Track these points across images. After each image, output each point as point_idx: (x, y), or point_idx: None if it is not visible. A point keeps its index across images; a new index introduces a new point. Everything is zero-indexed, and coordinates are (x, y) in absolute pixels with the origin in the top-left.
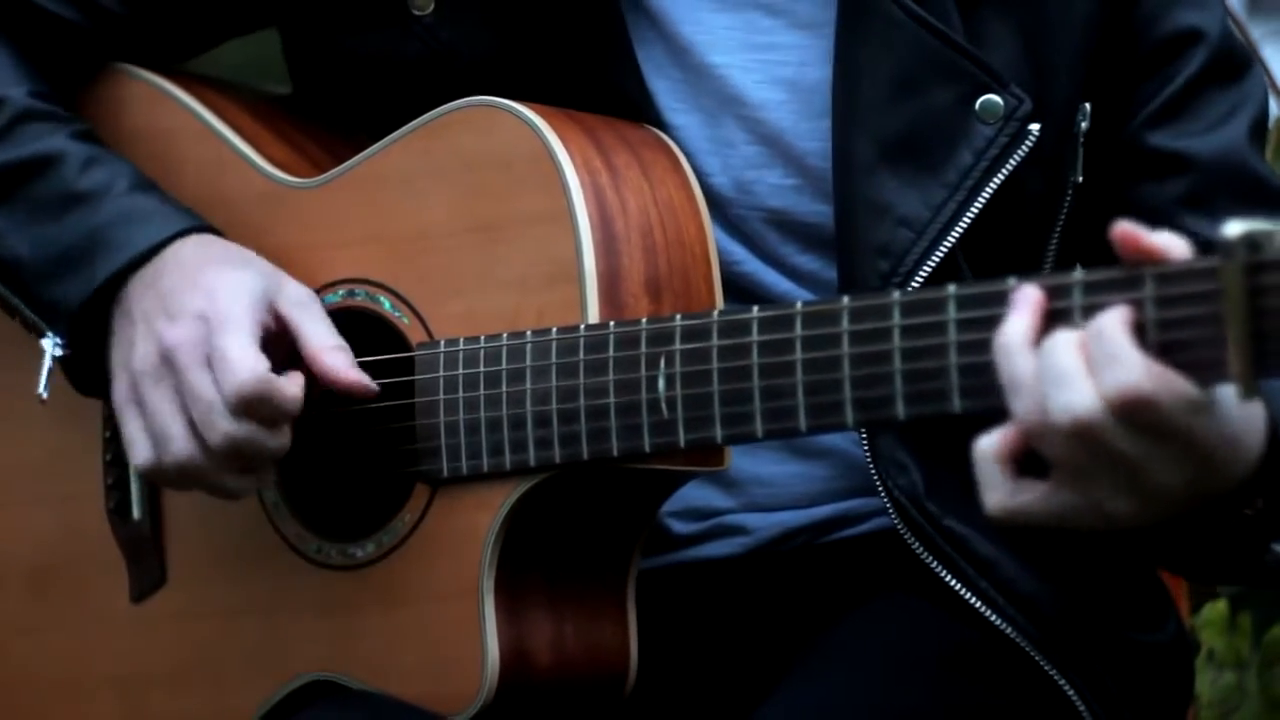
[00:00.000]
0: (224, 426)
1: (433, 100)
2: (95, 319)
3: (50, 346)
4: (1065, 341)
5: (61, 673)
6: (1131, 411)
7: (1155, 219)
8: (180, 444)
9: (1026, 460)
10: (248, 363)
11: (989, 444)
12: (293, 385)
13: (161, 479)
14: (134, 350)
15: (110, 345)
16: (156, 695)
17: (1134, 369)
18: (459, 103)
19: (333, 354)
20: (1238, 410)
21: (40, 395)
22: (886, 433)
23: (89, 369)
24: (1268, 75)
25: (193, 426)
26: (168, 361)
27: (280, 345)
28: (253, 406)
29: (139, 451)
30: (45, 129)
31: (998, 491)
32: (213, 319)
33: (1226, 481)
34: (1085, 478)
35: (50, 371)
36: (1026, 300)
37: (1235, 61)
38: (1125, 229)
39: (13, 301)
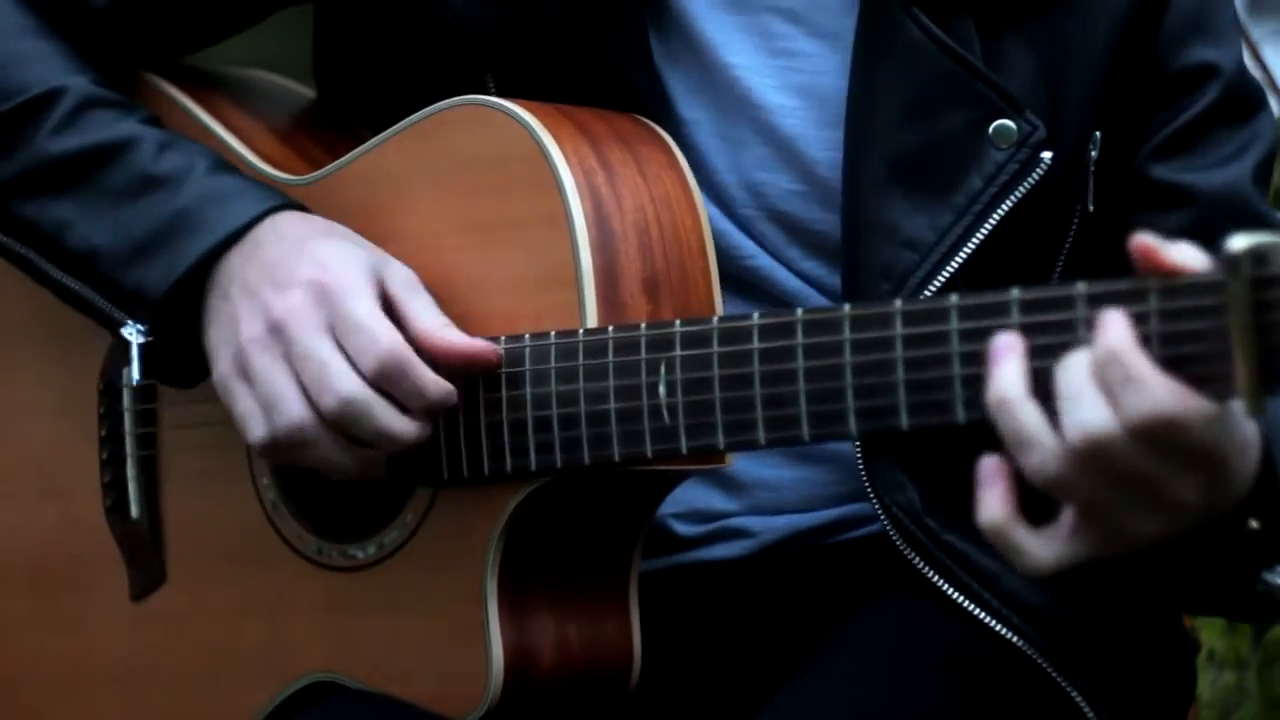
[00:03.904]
0: (338, 387)
1: (443, 74)
2: (182, 303)
3: (132, 335)
4: (1077, 364)
5: (61, 670)
6: (1157, 434)
7: None
8: (292, 406)
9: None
10: (386, 331)
11: (997, 513)
12: (438, 379)
13: (275, 451)
14: (239, 324)
15: (206, 326)
16: (157, 694)
17: (1157, 390)
18: (451, 101)
19: (446, 331)
20: (1246, 417)
21: (135, 381)
22: (881, 450)
23: (171, 356)
24: (1268, 75)
25: (304, 390)
26: (277, 330)
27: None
28: (393, 377)
29: (253, 427)
30: (112, 115)
31: (1037, 552)
32: (330, 286)
33: (1237, 491)
34: (1104, 506)
35: (138, 359)
36: (1009, 348)
37: (1248, 100)
38: (1144, 242)
39: (83, 294)
